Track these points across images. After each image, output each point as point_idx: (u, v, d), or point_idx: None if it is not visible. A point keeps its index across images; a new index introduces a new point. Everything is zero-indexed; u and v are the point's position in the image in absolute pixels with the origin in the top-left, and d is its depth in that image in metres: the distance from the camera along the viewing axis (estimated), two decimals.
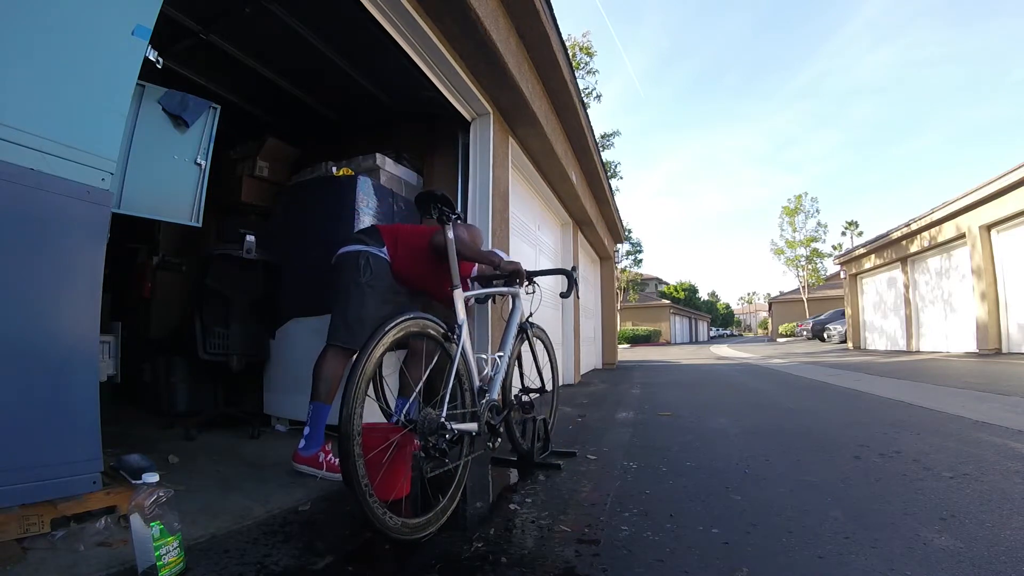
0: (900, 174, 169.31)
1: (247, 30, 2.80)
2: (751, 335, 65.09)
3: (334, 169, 2.99)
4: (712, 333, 54.13)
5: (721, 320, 69.55)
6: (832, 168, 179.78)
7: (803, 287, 30.21)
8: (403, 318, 1.47)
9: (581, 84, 17.02)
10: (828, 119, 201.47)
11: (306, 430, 1.94)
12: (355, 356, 1.37)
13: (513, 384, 2.15)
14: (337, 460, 1.81)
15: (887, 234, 12.21)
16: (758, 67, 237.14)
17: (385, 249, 2.03)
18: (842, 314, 17.14)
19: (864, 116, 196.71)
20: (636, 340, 30.26)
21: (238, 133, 3.58)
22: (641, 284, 36.41)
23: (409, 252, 2.06)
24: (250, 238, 2.60)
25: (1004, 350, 8.54)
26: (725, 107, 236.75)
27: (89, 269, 1.36)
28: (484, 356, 1.88)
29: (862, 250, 13.95)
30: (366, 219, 2.68)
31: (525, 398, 2.21)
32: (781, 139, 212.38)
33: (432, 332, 1.60)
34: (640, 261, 29.39)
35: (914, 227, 11.01)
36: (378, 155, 3.11)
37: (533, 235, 5.26)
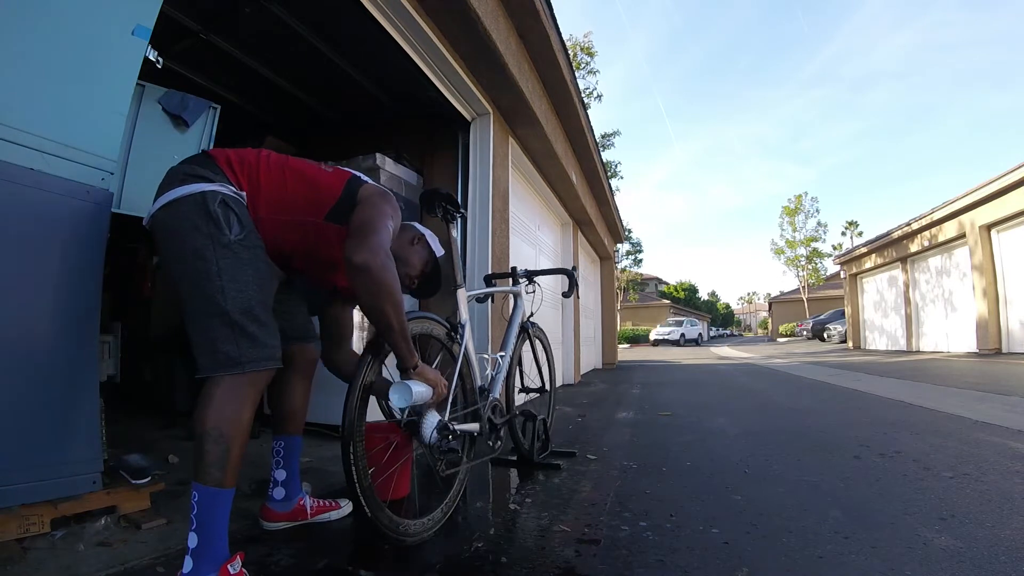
0: (909, 169, 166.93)
1: (247, 30, 2.80)
2: (751, 335, 65.07)
3: None
4: (712, 333, 54.11)
5: (721, 320, 69.56)
6: (847, 159, 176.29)
7: (803, 287, 30.22)
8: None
9: (581, 84, 17.03)
10: (844, 106, 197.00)
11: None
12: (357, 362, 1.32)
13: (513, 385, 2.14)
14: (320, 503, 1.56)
15: (888, 233, 12.22)
16: (771, 51, 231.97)
17: (244, 194, 1.21)
18: (842, 314, 17.15)
19: (882, 103, 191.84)
20: (636, 340, 30.24)
21: (238, 133, 3.58)
22: (641, 284, 36.43)
23: (281, 204, 1.26)
24: None
25: (1004, 349, 8.55)
26: (736, 93, 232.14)
27: (89, 269, 1.36)
28: (486, 356, 1.88)
29: (863, 249, 13.94)
30: None
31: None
32: (794, 129, 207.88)
33: (436, 333, 1.58)
34: (640, 261, 29.41)
35: (915, 227, 11.02)
36: (378, 155, 3.11)
37: (533, 235, 5.26)
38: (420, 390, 1.28)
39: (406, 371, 1.30)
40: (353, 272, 1.15)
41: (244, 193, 1.22)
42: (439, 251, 1.60)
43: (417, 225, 1.61)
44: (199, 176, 1.17)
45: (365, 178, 1.42)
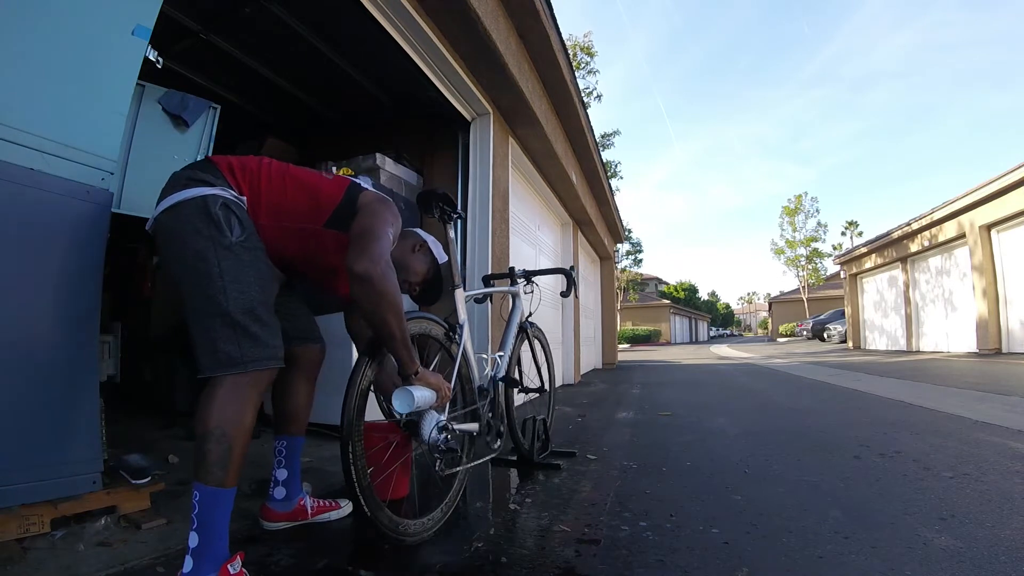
0: (909, 169, 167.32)
1: (247, 30, 2.80)
2: (751, 335, 65.10)
3: (334, 169, 2.99)
4: (712, 333, 54.14)
5: (721, 320, 69.61)
6: (847, 159, 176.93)
7: (803, 287, 30.21)
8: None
9: (581, 84, 17.02)
10: (844, 106, 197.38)
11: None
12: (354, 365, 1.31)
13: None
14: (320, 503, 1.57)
15: (888, 233, 12.21)
16: (771, 51, 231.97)
17: (245, 198, 1.23)
18: (842, 314, 17.15)
19: (882, 103, 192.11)
20: (636, 340, 30.24)
21: (238, 133, 3.59)
22: (641, 284, 36.41)
23: (281, 210, 1.27)
24: None
25: (1004, 349, 8.55)
26: (736, 93, 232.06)
27: (89, 269, 1.36)
28: (484, 356, 1.88)
29: (863, 249, 13.94)
30: None
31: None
32: (794, 129, 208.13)
33: (434, 333, 1.58)
34: (640, 261, 29.33)
35: (915, 227, 11.02)
36: (378, 155, 3.11)
37: (533, 235, 5.26)
38: (422, 395, 1.28)
39: (407, 378, 1.30)
40: (354, 281, 1.16)
41: (245, 198, 1.23)
42: (442, 257, 1.61)
43: (419, 232, 1.61)
44: (201, 180, 1.18)
45: (366, 184, 1.42)
